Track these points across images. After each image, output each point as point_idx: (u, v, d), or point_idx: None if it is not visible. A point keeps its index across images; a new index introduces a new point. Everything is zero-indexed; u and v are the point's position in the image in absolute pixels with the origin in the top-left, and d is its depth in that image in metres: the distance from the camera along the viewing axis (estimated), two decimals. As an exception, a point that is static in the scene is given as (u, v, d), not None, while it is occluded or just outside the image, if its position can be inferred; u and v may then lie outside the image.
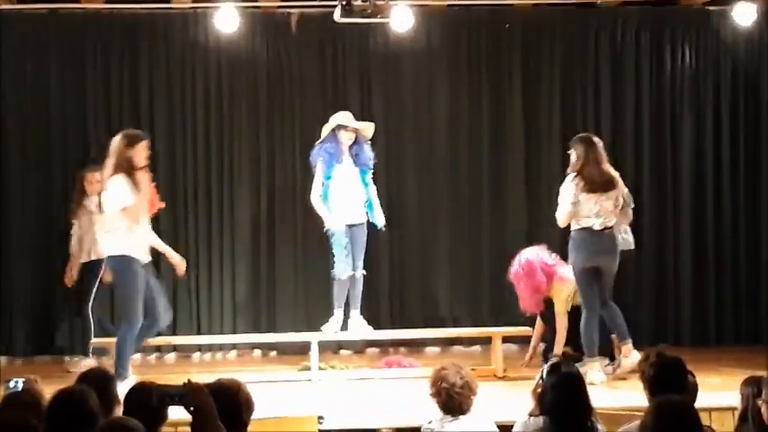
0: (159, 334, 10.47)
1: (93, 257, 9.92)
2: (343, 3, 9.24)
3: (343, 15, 9.34)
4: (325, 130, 9.61)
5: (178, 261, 9.11)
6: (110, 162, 8.41)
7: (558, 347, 9.25)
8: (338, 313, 9.64)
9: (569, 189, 8.79)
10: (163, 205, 9.02)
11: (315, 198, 9.61)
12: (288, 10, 11.09)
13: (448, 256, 11.10)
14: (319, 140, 9.62)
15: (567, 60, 11.33)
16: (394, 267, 11.18)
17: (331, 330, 9.64)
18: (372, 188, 9.74)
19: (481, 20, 11.31)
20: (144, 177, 8.45)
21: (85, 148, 10.83)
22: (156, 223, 10.71)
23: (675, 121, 11.33)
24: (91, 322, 9.99)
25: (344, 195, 9.60)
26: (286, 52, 11.15)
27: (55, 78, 10.89)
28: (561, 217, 8.86)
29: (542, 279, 9.41)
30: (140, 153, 8.45)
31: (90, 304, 10.01)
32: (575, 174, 8.81)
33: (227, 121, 11.04)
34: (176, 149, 11.01)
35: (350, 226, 9.60)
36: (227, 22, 10.44)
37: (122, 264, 8.45)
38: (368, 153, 9.70)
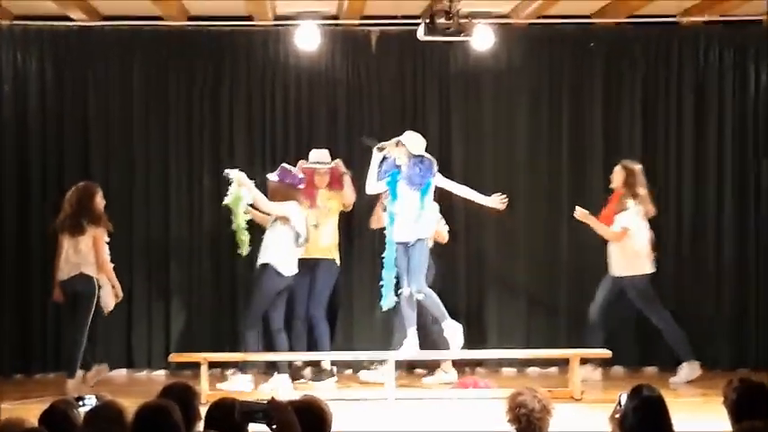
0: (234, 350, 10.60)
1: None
2: (427, 21, 9.26)
3: (426, 33, 9.37)
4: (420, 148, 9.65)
5: None
6: None
7: None
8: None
9: None
10: None
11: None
12: (368, 28, 11.14)
13: (526, 275, 11.03)
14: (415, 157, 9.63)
15: (648, 80, 11.23)
16: (471, 286, 11.14)
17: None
18: None
19: (562, 39, 11.26)
20: None
21: (166, 162, 10.98)
22: (232, 242, 10.88)
23: (759, 143, 11.16)
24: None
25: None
26: (366, 70, 11.20)
27: (138, 95, 11.04)
28: None
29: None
30: None
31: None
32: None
33: (306, 139, 11.08)
34: (256, 166, 11.02)
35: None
36: (308, 39, 10.49)
37: None
38: None
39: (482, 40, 10.24)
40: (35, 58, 10.93)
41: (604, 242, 10.67)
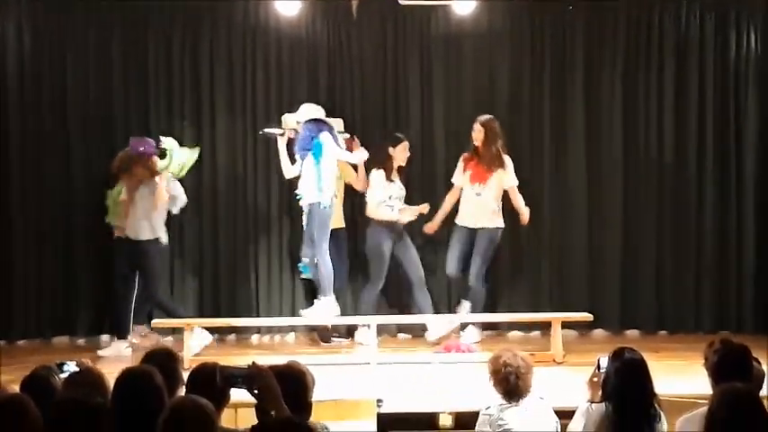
0: (218, 315, 10.60)
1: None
2: (408, -16, 9.22)
3: (407, -3, 9.33)
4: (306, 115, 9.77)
5: None
6: None
7: None
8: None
9: None
10: None
11: None
12: (349, -7, 11.10)
13: (507, 240, 10.99)
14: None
15: (630, 43, 11.20)
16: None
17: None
18: None
19: (543, 3, 11.21)
20: None
21: (146, 129, 10.88)
22: (215, 206, 10.90)
23: (740, 106, 11.16)
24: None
25: None
26: (347, 35, 11.14)
27: (118, 62, 10.94)
28: None
29: None
30: None
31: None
32: None
33: (287, 105, 11.00)
34: (237, 133, 11.05)
35: None
36: (288, 5, 10.43)
37: None
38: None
39: (463, 4, 10.20)
40: (13, 24, 10.82)
41: (585, 210, 10.76)
